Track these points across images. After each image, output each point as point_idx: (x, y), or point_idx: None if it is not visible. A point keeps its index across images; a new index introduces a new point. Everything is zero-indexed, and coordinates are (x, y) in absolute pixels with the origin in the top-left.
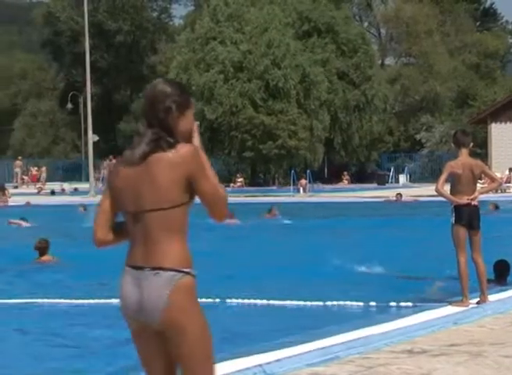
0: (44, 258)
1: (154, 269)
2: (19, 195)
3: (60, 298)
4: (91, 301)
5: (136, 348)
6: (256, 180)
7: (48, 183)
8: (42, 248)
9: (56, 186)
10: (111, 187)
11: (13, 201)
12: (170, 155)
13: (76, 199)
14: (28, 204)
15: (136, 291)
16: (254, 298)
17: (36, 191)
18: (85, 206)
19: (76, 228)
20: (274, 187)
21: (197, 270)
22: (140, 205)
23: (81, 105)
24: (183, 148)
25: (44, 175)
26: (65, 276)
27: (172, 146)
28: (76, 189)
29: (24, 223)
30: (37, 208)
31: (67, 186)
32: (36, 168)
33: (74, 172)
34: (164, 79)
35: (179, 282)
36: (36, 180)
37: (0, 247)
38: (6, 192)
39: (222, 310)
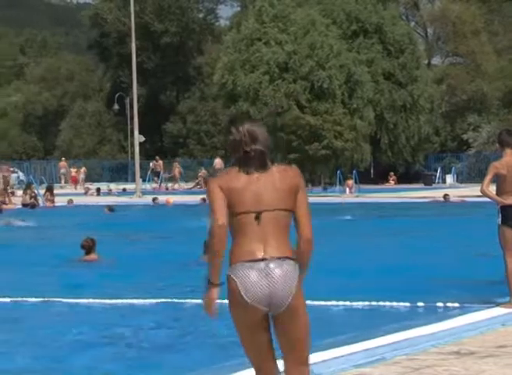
0: (91, 256)
1: (279, 258)
2: (67, 196)
3: (104, 297)
4: (142, 301)
5: (246, 334)
6: None
7: (94, 183)
8: (89, 247)
9: (103, 186)
10: (229, 190)
11: (59, 201)
12: (288, 169)
13: (124, 199)
14: (70, 202)
15: (265, 281)
16: None
17: (83, 191)
18: (111, 207)
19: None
20: (320, 188)
21: None
22: (264, 205)
23: (127, 106)
24: (294, 167)
25: (82, 176)
26: (114, 274)
27: (274, 162)
28: (124, 189)
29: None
30: (81, 207)
31: (114, 186)
32: (75, 169)
33: (120, 173)
34: (253, 121)
35: (298, 269)
36: (75, 181)
37: (45, 245)
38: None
39: None
